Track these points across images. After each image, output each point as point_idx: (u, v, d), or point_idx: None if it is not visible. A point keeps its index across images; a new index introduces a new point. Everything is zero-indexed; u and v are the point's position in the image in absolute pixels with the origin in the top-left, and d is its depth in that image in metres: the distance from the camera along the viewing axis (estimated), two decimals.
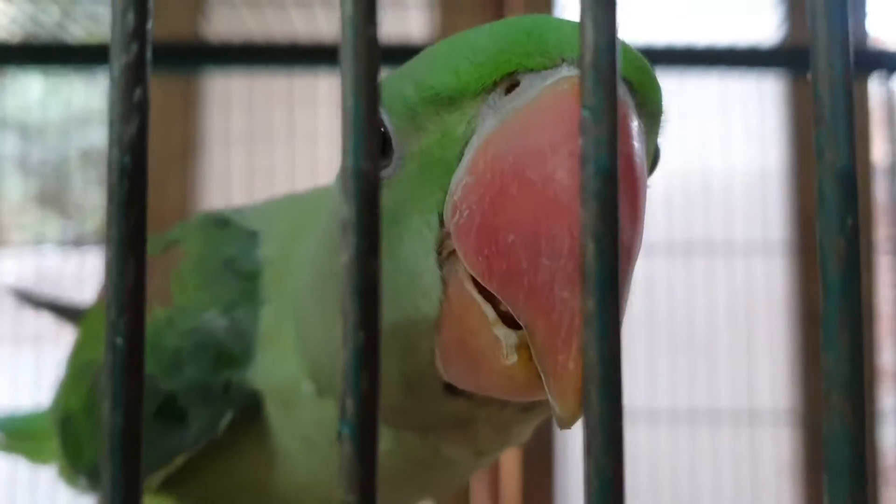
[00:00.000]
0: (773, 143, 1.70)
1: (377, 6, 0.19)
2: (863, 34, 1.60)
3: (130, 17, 0.19)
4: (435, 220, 0.40)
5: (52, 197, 2.20)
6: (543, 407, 0.44)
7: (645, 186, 0.37)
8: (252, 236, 0.59)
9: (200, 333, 0.55)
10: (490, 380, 0.40)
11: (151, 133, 0.20)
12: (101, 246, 1.80)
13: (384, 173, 0.42)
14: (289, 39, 1.48)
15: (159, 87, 1.57)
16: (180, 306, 0.57)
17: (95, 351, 0.67)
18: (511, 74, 0.38)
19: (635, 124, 0.37)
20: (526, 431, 0.53)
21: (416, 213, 0.41)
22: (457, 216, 0.38)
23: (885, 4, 1.75)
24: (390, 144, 0.42)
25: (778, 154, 1.69)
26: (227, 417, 0.55)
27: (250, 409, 0.56)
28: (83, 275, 1.78)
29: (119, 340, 0.20)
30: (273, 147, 1.76)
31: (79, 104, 2.11)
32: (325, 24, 1.72)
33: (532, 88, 0.37)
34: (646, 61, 0.40)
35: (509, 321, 0.38)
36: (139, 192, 0.20)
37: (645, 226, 0.38)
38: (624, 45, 0.39)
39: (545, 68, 0.37)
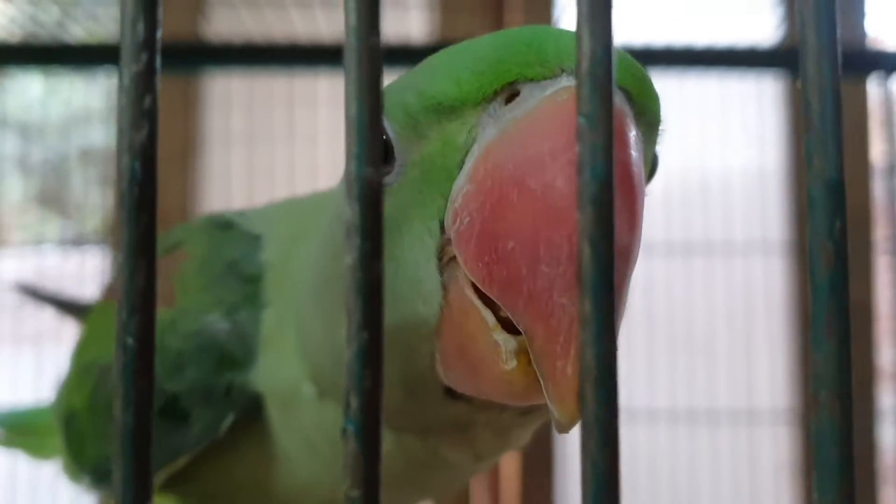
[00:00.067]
0: (772, 144, 1.70)
1: (380, 16, 0.20)
2: (861, 35, 1.61)
3: (140, 27, 0.20)
4: (436, 226, 0.41)
5: (53, 197, 2.20)
6: (542, 411, 0.45)
7: (643, 193, 0.38)
8: (255, 240, 0.60)
9: (203, 336, 0.56)
10: (489, 384, 0.40)
11: None
12: (101, 246, 1.80)
13: (386, 180, 0.43)
14: (289, 40, 1.48)
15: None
16: (183, 308, 0.57)
17: (99, 350, 0.68)
18: (511, 84, 0.39)
19: (633, 133, 0.37)
20: (525, 435, 0.53)
21: (417, 219, 0.41)
22: (457, 223, 0.39)
23: (884, 5, 1.76)
24: (392, 152, 0.42)
25: (777, 154, 1.70)
26: (229, 419, 0.55)
27: (252, 411, 0.56)
28: (83, 274, 1.78)
29: (130, 341, 0.20)
30: (273, 147, 1.76)
31: (79, 104, 2.11)
32: (324, 25, 1.73)
33: (532, 98, 0.38)
34: (644, 71, 0.41)
35: (509, 327, 0.38)
36: (149, 197, 0.20)
37: (643, 231, 0.38)
38: (623, 55, 0.40)
39: (545, 78, 0.38)
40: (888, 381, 1.68)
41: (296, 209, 0.64)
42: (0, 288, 1.69)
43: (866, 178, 1.61)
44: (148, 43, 0.20)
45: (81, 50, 1.53)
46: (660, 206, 1.63)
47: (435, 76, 0.41)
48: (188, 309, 0.57)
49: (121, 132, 0.20)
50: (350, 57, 0.20)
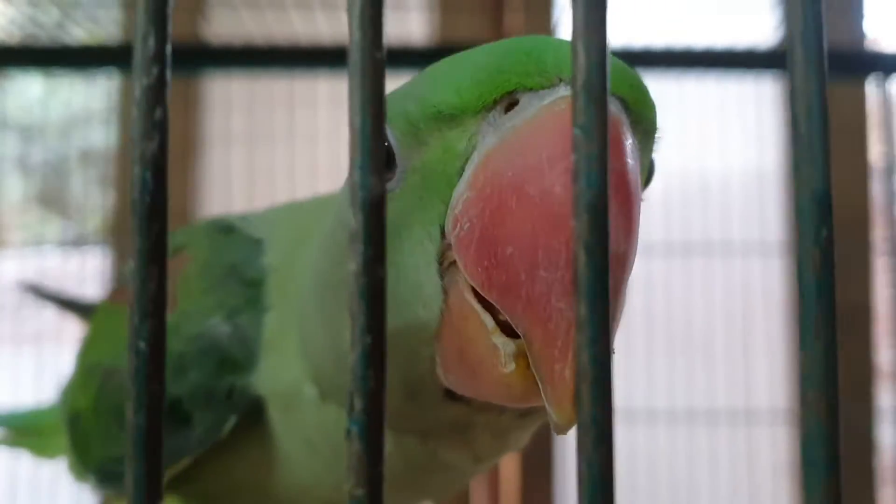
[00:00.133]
0: (771, 145, 1.71)
1: (383, 33, 0.20)
2: (860, 36, 1.61)
3: (151, 41, 0.20)
4: (436, 231, 0.41)
5: (53, 197, 2.21)
6: (540, 413, 0.46)
7: (639, 200, 0.39)
8: (257, 244, 0.61)
9: (204, 339, 0.57)
10: (489, 387, 0.41)
11: None
12: (101, 246, 1.81)
13: (388, 185, 0.43)
14: (289, 41, 1.49)
15: None
16: (185, 311, 0.58)
17: (104, 351, 0.68)
18: (510, 93, 0.39)
19: (629, 141, 0.38)
20: (524, 437, 0.54)
21: (418, 224, 0.42)
22: (457, 228, 0.40)
23: (882, 7, 1.76)
24: (394, 158, 0.43)
25: (775, 155, 1.70)
26: (231, 421, 0.56)
27: (253, 413, 0.57)
28: (84, 274, 1.78)
29: (142, 345, 0.21)
30: (273, 148, 1.77)
31: (79, 104, 2.12)
32: (325, 26, 1.73)
33: (530, 107, 0.38)
34: (641, 80, 0.42)
35: (508, 330, 0.39)
36: (160, 206, 0.21)
37: (640, 235, 0.39)
38: (620, 65, 0.41)
39: (543, 88, 0.39)
40: (887, 382, 1.69)
41: (297, 213, 0.65)
42: (0, 288, 1.69)
43: (865, 179, 1.62)
44: (158, 57, 0.20)
45: (81, 52, 1.54)
46: (659, 206, 1.64)
47: (436, 85, 0.42)
48: (190, 312, 0.58)
49: (133, 143, 0.21)
50: (354, 72, 0.21)
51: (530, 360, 0.37)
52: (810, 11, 0.21)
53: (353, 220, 0.21)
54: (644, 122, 0.42)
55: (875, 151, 1.65)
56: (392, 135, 0.43)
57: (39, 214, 2.26)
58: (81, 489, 0.76)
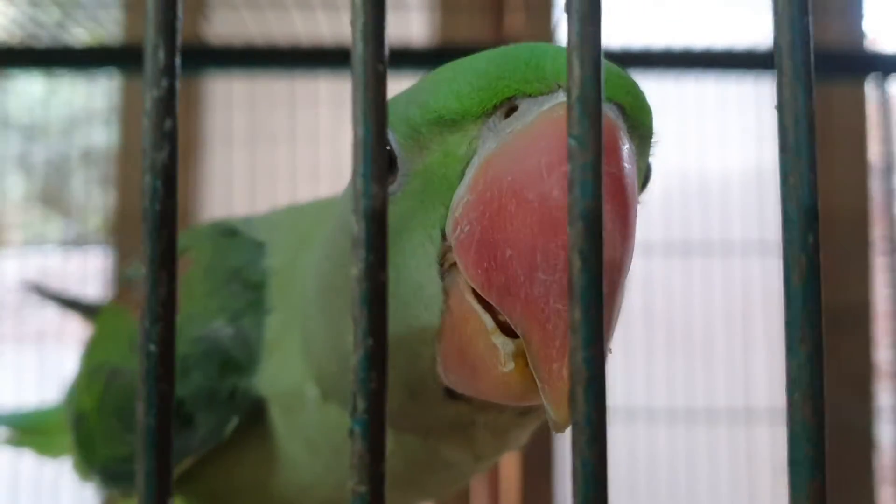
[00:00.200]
0: (771, 145, 1.71)
1: (385, 46, 0.21)
2: (860, 36, 1.62)
3: (161, 54, 0.21)
4: (437, 234, 0.42)
5: (54, 196, 2.21)
6: (540, 412, 0.46)
7: (635, 205, 0.39)
8: (259, 247, 0.61)
9: (207, 341, 0.57)
10: (488, 386, 0.42)
11: None
12: (102, 245, 1.81)
13: (389, 189, 0.44)
14: (290, 41, 1.49)
15: None
16: (188, 314, 0.59)
17: (108, 352, 0.69)
18: (510, 99, 0.40)
19: (626, 147, 0.39)
20: (523, 436, 0.55)
21: (419, 227, 0.43)
22: (458, 231, 0.40)
23: (882, 7, 1.76)
24: (396, 162, 0.44)
25: (775, 155, 1.70)
26: (233, 423, 0.57)
27: (255, 414, 0.57)
28: (85, 274, 1.79)
29: (152, 347, 0.21)
30: (274, 148, 1.77)
31: (80, 104, 2.12)
32: (326, 27, 1.74)
33: (529, 113, 0.39)
34: (638, 87, 0.43)
35: (507, 330, 0.40)
36: (170, 213, 0.22)
37: (636, 238, 0.40)
38: (618, 71, 0.42)
39: (542, 94, 0.40)
40: (886, 381, 1.69)
41: (299, 216, 0.65)
42: (2, 287, 1.70)
43: (864, 178, 1.62)
44: (168, 70, 0.21)
45: (82, 52, 1.54)
46: (658, 206, 1.65)
47: (437, 91, 0.43)
48: (193, 314, 0.59)
49: (144, 153, 0.21)
50: (357, 83, 0.21)
51: (529, 360, 0.38)
52: (798, 24, 0.21)
53: (355, 227, 0.22)
54: (641, 127, 0.43)
55: (874, 151, 1.65)
56: (394, 139, 0.44)
57: (41, 214, 2.27)
58: (84, 488, 0.76)
